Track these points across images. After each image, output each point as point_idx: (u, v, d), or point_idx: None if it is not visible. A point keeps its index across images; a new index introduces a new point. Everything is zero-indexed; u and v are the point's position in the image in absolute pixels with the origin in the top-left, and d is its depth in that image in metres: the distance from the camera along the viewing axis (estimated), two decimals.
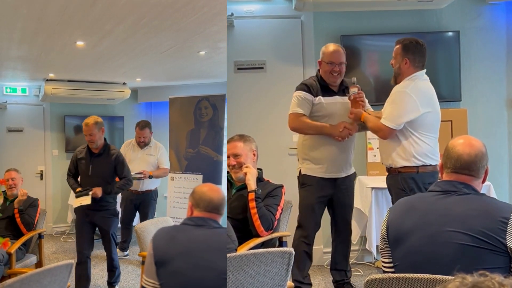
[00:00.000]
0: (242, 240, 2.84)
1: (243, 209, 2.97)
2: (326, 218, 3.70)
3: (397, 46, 3.30)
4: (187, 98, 5.56)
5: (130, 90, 6.84)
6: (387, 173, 3.37)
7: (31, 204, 4.32)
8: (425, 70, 3.28)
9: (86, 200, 3.87)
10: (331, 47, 3.54)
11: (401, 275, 1.69)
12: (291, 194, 3.71)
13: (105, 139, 4.06)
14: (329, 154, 3.51)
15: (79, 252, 4.00)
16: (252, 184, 2.97)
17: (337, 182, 3.56)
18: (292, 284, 3.49)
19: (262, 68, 4.65)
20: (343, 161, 3.55)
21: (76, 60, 4.90)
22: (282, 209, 3.10)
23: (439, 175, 2.05)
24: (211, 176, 5.07)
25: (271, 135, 4.58)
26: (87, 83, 6.42)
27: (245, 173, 3.02)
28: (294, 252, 2.31)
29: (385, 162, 3.35)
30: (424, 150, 3.17)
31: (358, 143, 3.77)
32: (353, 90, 3.43)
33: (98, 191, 3.89)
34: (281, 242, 3.19)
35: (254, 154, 3.16)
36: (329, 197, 3.60)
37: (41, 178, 6.91)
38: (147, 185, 5.40)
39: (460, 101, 4.62)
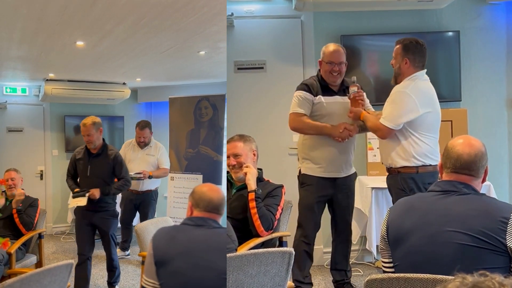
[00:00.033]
0: (242, 240, 2.84)
1: (243, 209, 2.97)
2: (326, 218, 3.70)
3: (397, 46, 3.30)
4: (187, 98, 5.56)
5: (130, 90, 6.84)
6: (387, 173, 3.37)
7: (31, 204, 4.31)
8: (425, 70, 3.27)
9: (82, 201, 3.86)
10: (331, 47, 3.54)
11: (401, 275, 1.69)
12: (291, 194, 3.71)
13: (103, 139, 4.05)
14: (329, 154, 3.51)
15: (79, 254, 3.99)
16: (252, 184, 2.97)
17: (337, 182, 3.56)
18: (292, 284, 3.49)
19: (262, 68, 4.65)
20: (343, 161, 3.55)
21: (76, 60, 4.90)
22: (282, 209, 3.10)
23: (439, 175, 2.05)
24: (211, 176, 5.07)
25: (271, 135, 4.58)
26: (87, 83, 6.42)
27: (245, 173, 3.02)
28: (294, 252, 2.31)
29: (385, 162, 3.35)
30: (423, 150, 3.17)
31: (358, 143, 3.77)
32: (353, 89, 3.43)
33: (96, 193, 3.88)
34: (281, 242, 3.19)
35: (254, 154, 3.16)
36: (329, 197, 3.60)
37: (41, 178, 6.91)
38: (147, 185, 5.40)
39: (460, 101, 4.62)
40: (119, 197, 5.14)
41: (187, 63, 5.13)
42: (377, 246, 3.92)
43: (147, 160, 5.37)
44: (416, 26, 4.56)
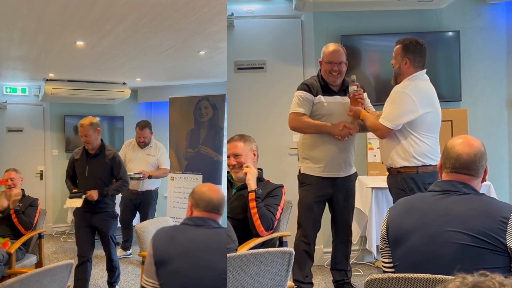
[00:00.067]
0: (242, 240, 2.84)
1: (243, 209, 2.97)
2: (326, 218, 3.70)
3: (397, 46, 3.30)
4: (187, 98, 5.56)
5: (130, 90, 6.84)
6: (387, 173, 3.37)
7: (31, 203, 4.31)
8: (425, 70, 3.27)
9: (77, 203, 3.84)
10: (331, 46, 3.54)
11: (401, 275, 1.69)
12: (291, 194, 3.71)
13: (101, 139, 4.03)
14: (328, 153, 3.51)
15: (79, 256, 3.96)
16: (252, 184, 2.97)
17: (336, 182, 3.56)
18: (293, 284, 3.49)
19: (262, 68, 4.65)
20: (342, 161, 3.55)
21: (76, 60, 4.90)
22: (282, 209, 3.10)
23: (439, 175, 2.05)
24: (211, 176, 5.07)
25: (271, 135, 4.58)
26: (87, 83, 6.41)
27: (245, 173, 3.02)
28: (294, 252, 2.31)
29: (385, 162, 3.35)
30: (423, 150, 3.17)
31: (358, 143, 3.77)
32: (352, 88, 3.43)
33: (94, 194, 3.85)
34: (281, 242, 3.19)
35: (254, 154, 3.16)
36: (329, 197, 3.60)
37: (41, 178, 6.91)
38: (147, 185, 5.39)
39: (460, 101, 4.62)
40: (118, 197, 5.12)
41: (187, 63, 5.13)
42: (377, 246, 3.92)
43: (147, 160, 5.36)
44: (416, 26, 4.56)
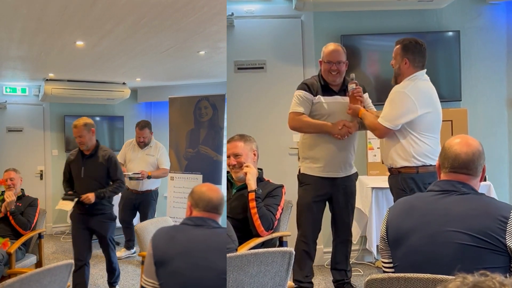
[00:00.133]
0: (242, 240, 2.84)
1: (243, 209, 2.97)
2: (326, 218, 3.70)
3: (397, 46, 3.30)
4: (187, 98, 5.56)
5: (130, 90, 6.84)
6: (388, 173, 3.37)
7: (30, 203, 4.31)
8: (425, 70, 3.27)
9: (67, 206, 3.81)
10: (330, 46, 3.54)
11: (401, 275, 1.69)
12: (291, 194, 3.71)
13: (97, 140, 3.99)
14: (328, 153, 3.51)
15: (76, 260, 3.88)
16: (252, 184, 2.97)
17: (336, 181, 3.55)
18: (293, 284, 3.49)
19: (262, 68, 4.65)
20: (342, 161, 3.54)
21: (76, 60, 4.90)
22: (282, 209, 3.10)
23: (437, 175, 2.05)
24: (211, 176, 5.07)
25: (271, 135, 4.58)
26: (87, 83, 6.41)
27: (245, 173, 3.02)
28: (294, 252, 2.31)
29: (385, 162, 3.35)
30: (423, 150, 3.17)
31: (359, 143, 3.77)
32: (351, 86, 3.44)
33: (91, 197, 3.80)
34: (281, 242, 3.19)
35: (254, 154, 3.16)
36: (328, 197, 3.60)
37: (41, 178, 6.91)
38: (147, 185, 5.39)
39: (460, 101, 4.62)
40: (117, 197, 5.12)
41: (187, 63, 5.13)
42: (377, 246, 3.91)
43: (146, 160, 5.36)
44: (416, 26, 4.56)
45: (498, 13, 4.67)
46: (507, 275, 1.73)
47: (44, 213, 4.44)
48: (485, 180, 4.02)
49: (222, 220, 2.21)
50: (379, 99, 4.05)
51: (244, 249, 2.67)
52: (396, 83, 3.29)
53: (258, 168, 3.18)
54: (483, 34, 4.65)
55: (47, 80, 6.25)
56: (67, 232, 6.71)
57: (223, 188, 3.48)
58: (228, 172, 3.19)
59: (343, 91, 3.56)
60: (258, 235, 2.92)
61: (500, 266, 1.71)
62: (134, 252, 5.51)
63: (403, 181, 3.18)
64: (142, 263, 3.13)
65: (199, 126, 5.35)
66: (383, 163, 3.43)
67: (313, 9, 4.40)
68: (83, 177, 3.91)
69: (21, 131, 6.81)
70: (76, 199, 3.82)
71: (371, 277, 1.74)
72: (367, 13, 4.58)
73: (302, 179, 3.60)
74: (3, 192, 4.28)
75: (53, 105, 6.92)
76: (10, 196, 4.11)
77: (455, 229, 1.76)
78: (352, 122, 3.47)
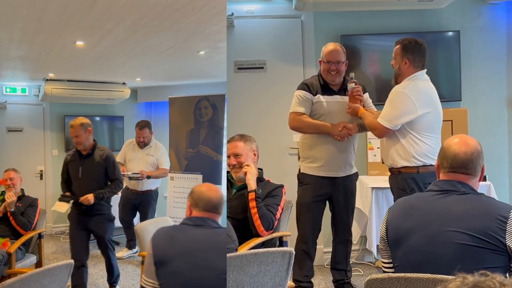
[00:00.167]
0: (242, 240, 2.84)
1: (243, 209, 2.97)
2: (326, 218, 3.70)
3: (397, 46, 3.30)
4: (187, 98, 5.56)
5: (130, 90, 6.84)
6: (388, 173, 3.37)
7: (30, 203, 4.31)
8: (425, 70, 3.27)
9: (62, 208, 3.80)
10: (330, 46, 3.54)
11: (401, 275, 1.69)
12: (291, 194, 3.71)
13: (94, 140, 3.98)
14: (327, 153, 3.51)
15: (74, 260, 3.86)
16: (252, 184, 2.97)
17: (336, 181, 3.55)
18: (293, 283, 3.49)
19: (262, 68, 4.65)
20: (342, 161, 3.54)
21: (76, 60, 4.90)
22: (282, 209, 3.10)
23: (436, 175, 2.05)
24: (211, 176, 5.07)
25: (271, 135, 4.58)
26: (87, 83, 6.42)
27: (245, 173, 3.02)
28: (294, 252, 2.31)
29: (386, 162, 3.35)
30: (423, 150, 3.17)
31: (359, 143, 3.76)
32: (351, 85, 3.44)
33: (90, 198, 3.78)
34: (281, 242, 3.19)
35: (254, 154, 3.16)
36: (328, 196, 3.59)
37: (41, 178, 6.91)
38: (147, 185, 5.39)
39: (460, 100, 4.62)
40: (117, 197, 5.11)
41: (187, 63, 5.13)
42: (377, 246, 3.91)
43: (146, 160, 5.36)
44: (416, 26, 4.56)
45: (498, 13, 4.67)
46: (507, 275, 1.73)
47: (44, 213, 4.44)
48: (485, 180, 4.03)
49: (222, 220, 2.21)
50: (379, 99, 4.05)
51: (244, 249, 2.67)
52: (396, 83, 3.29)
53: (258, 168, 3.18)
54: (483, 34, 4.65)
55: (47, 80, 6.25)
56: (67, 232, 6.68)
57: (223, 188, 3.48)
58: (228, 172, 3.19)
59: (343, 90, 3.56)
60: (258, 235, 2.92)
61: (500, 266, 1.71)
62: (136, 252, 5.51)
63: (404, 181, 3.18)
64: (142, 263, 3.13)
65: (199, 126, 5.35)
66: (383, 163, 3.43)
67: (313, 9, 4.40)
68: (81, 177, 3.90)
69: (21, 131, 6.81)
70: (71, 201, 3.81)
71: (371, 277, 1.74)
72: (367, 13, 4.58)
73: (302, 178, 3.60)
74: (3, 192, 4.28)
75: (53, 105, 6.92)
76: (11, 197, 4.12)
77: (455, 229, 1.76)
78: (352, 124, 3.47)
